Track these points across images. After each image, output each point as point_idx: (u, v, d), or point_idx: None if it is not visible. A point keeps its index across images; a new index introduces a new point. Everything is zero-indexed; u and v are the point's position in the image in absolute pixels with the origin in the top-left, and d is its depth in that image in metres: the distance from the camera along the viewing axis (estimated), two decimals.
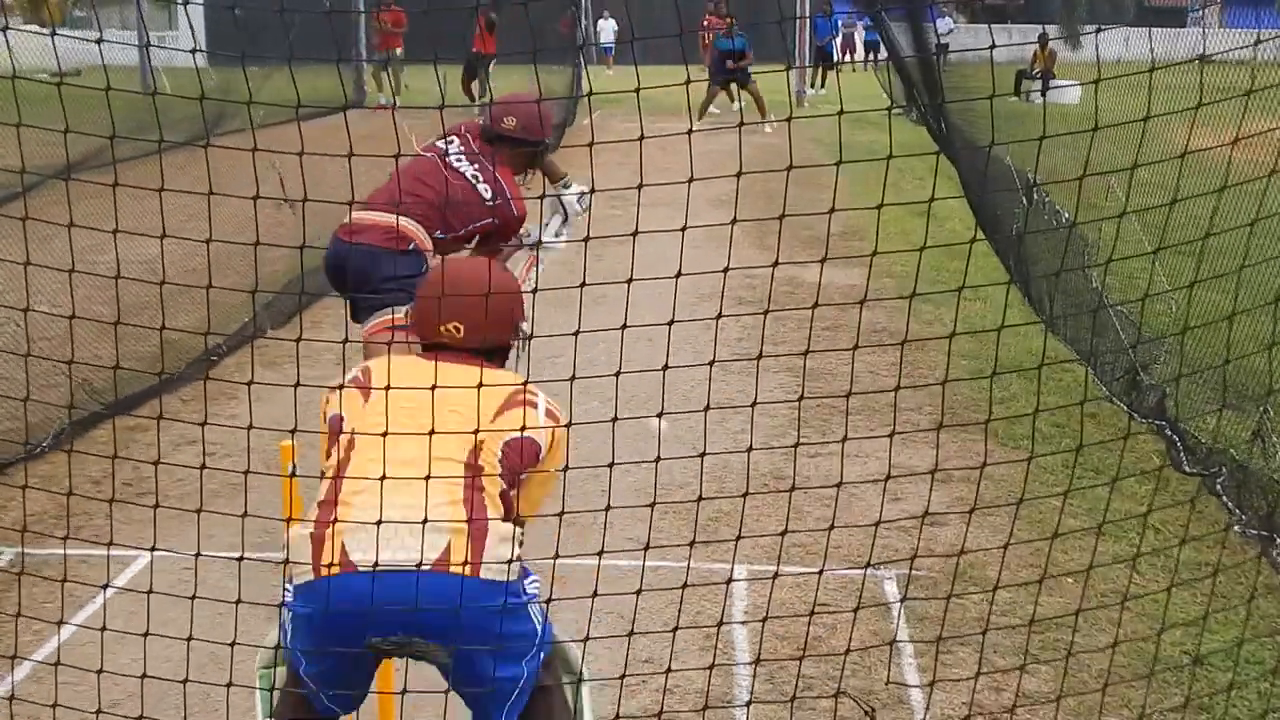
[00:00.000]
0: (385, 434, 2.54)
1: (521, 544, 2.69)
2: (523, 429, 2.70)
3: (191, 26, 2.77)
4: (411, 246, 4.95)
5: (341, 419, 2.74)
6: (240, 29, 3.15)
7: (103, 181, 2.74)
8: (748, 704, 3.72)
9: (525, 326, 2.97)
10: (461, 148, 5.23)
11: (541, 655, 2.68)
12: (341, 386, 2.81)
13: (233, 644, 2.74)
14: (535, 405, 2.78)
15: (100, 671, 2.87)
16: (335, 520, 2.55)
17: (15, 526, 4.85)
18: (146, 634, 2.79)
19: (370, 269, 4.94)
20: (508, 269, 2.98)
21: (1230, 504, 5.01)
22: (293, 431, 2.77)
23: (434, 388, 2.55)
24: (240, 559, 2.72)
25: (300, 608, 2.57)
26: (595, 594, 2.72)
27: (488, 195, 5.12)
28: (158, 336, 2.94)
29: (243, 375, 6.80)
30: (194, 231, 2.78)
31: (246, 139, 2.57)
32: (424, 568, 2.48)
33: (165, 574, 3.92)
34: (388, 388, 2.65)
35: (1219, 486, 5.12)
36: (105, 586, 3.57)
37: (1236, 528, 4.85)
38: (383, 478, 2.50)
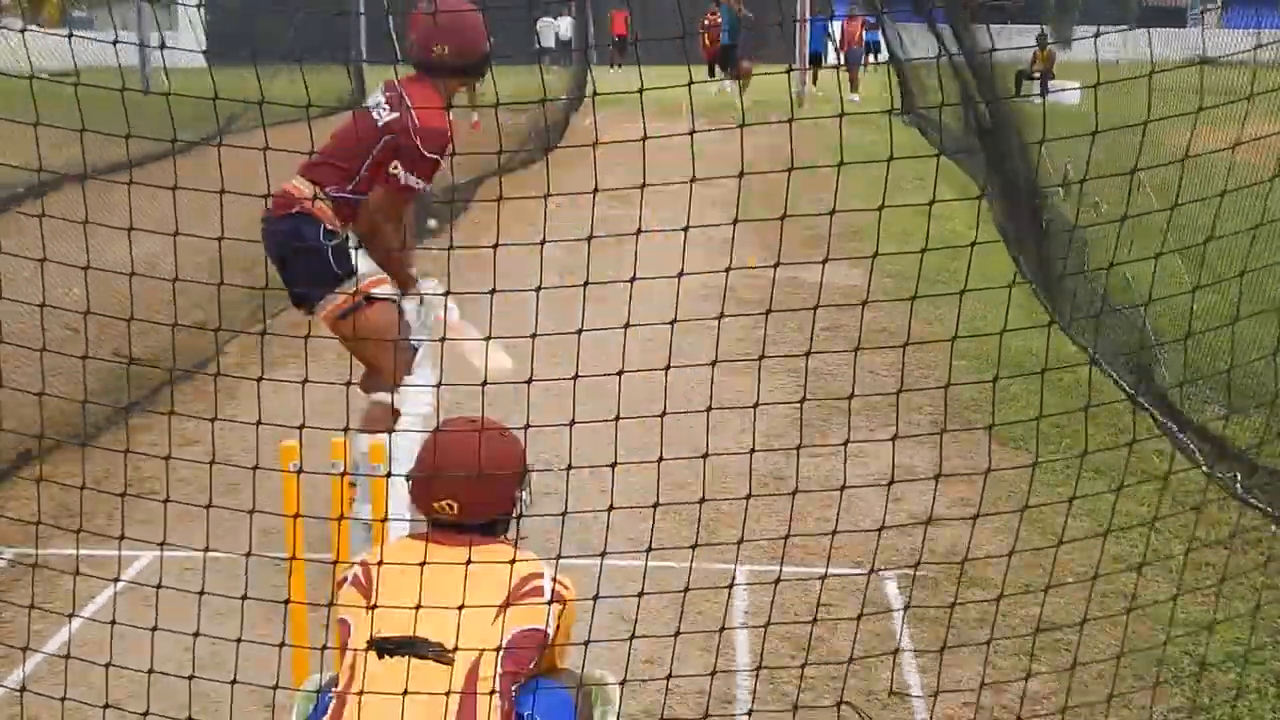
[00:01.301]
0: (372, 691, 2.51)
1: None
2: (511, 624, 2.64)
3: (192, 25, 2.76)
4: (296, 210, 4.59)
5: (349, 628, 2.68)
6: (239, 29, 3.14)
7: (119, 179, 2.74)
8: (749, 710, 3.72)
9: (527, 496, 2.87)
10: (385, 94, 4.73)
11: None
12: (348, 578, 2.77)
13: (238, 640, 2.74)
14: (540, 592, 2.69)
15: (109, 665, 2.87)
16: None
17: (25, 521, 4.85)
18: (155, 628, 2.79)
19: (277, 249, 4.68)
20: (509, 434, 2.88)
21: (1262, 504, 5.00)
22: (301, 427, 2.76)
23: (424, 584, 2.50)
24: (248, 555, 2.72)
25: None
26: (596, 596, 2.71)
27: (384, 116, 4.61)
28: (156, 336, 2.94)
29: (242, 375, 6.80)
30: (188, 235, 2.78)
31: (247, 140, 2.56)
32: None
33: (166, 575, 3.90)
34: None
35: (1244, 487, 5.11)
36: (116, 580, 3.57)
37: (1274, 526, 4.85)
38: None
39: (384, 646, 2.47)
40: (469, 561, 2.55)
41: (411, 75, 4.75)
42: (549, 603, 2.68)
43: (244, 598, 2.75)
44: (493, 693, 2.56)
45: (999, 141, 6.95)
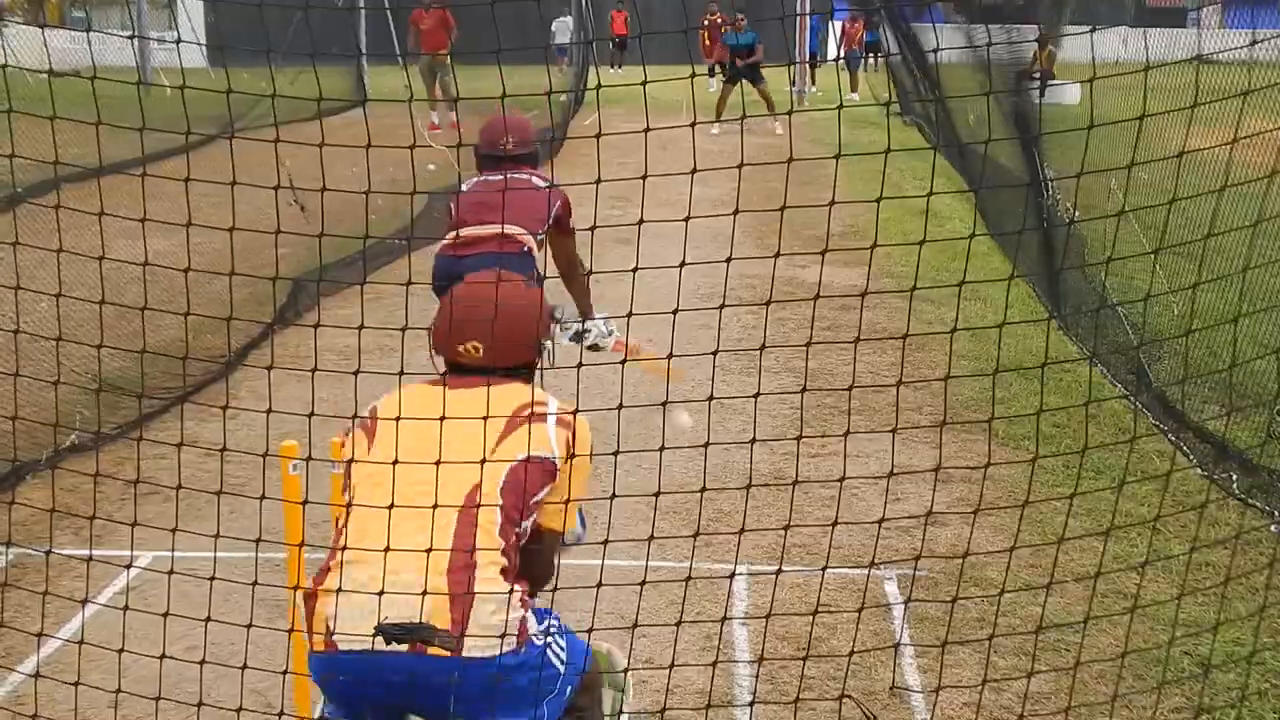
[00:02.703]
0: (392, 505, 2.51)
1: (534, 595, 2.66)
2: (527, 457, 2.63)
3: (191, 25, 2.76)
4: (525, 249, 5.11)
5: (350, 465, 2.71)
6: (240, 29, 3.14)
7: (135, 173, 2.74)
8: (750, 704, 3.72)
9: (549, 343, 2.91)
10: (478, 185, 5.41)
11: (569, 689, 2.66)
12: (354, 426, 2.77)
13: (249, 625, 2.75)
14: (544, 418, 2.70)
15: (121, 650, 2.89)
16: (321, 589, 2.54)
17: (26, 523, 4.86)
18: (166, 614, 2.81)
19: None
20: (532, 286, 2.91)
21: (1261, 505, 5.00)
22: (310, 414, 2.76)
23: (437, 453, 2.47)
24: (258, 540, 2.74)
25: (313, 672, 2.59)
26: (600, 583, 2.72)
27: (540, 182, 5.34)
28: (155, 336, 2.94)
29: (244, 376, 6.80)
30: (197, 232, 2.78)
31: (247, 141, 2.57)
32: (407, 650, 2.44)
33: (162, 572, 3.91)
34: (395, 425, 2.58)
35: (1237, 486, 5.11)
36: (129, 566, 3.58)
37: (1274, 527, 4.85)
38: (387, 547, 2.46)
39: (390, 633, 2.47)
40: (488, 384, 2.59)
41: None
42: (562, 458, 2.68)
43: (254, 583, 2.75)
44: (495, 505, 2.56)
45: (1010, 132, 6.97)
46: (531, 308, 2.88)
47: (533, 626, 2.57)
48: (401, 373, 2.56)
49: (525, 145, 5.48)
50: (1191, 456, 5.46)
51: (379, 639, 2.42)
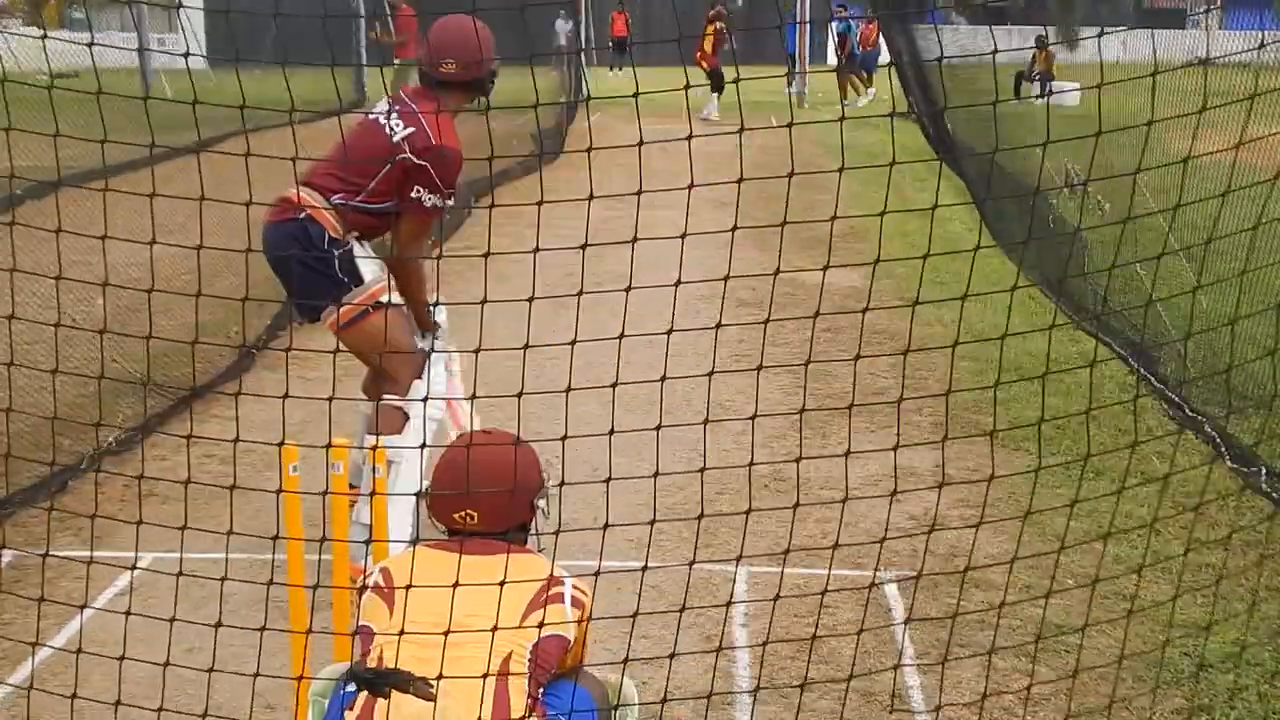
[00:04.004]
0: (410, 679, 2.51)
1: None
2: (540, 624, 2.65)
3: (192, 27, 2.77)
4: (303, 214, 4.51)
5: (371, 632, 2.70)
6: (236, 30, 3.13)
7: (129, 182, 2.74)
8: (751, 704, 3.72)
9: (544, 503, 2.90)
10: (395, 107, 4.69)
11: None
12: (366, 588, 2.78)
13: (262, 628, 2.75)
14: (561, 598, 2.73)
15: (122, 658, 2.88)
16: None
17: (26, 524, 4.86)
18: (173, 619, 2.80)
19: (278, 252, 4.57)
20: (524, 444, 2.90)
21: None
22: (330, 395, 2.76)
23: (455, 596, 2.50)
24: (275, 538, 2.74)
25: None
26: (597, 573, 2.72)
27: (399, 131, 4.59)
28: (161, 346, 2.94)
29: (244, 377, 6.81)
30: (192, 237, 2.78)
31: (246, 143, 2.56)
32: None
33: (166, 574, 3.91)
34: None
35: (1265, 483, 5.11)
36: (133, 568, 3.58)
37: None
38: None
39: (363, 678, 2.49)
40: (507, 551, 2.60)
41: (417, 88, 4.79)
42: (571, 616, 2.72)
43: (270, 583, 2.75)
44: (527, 676, 2.60)
45: (954, 146, 6.98)
46: (525, 473, 2.85)
47: None
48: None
49: (468, 70, 4.64)
50: (1226, 452, 5.44)
51: None
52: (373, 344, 4.55)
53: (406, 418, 4.58)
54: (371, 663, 2.66)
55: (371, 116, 4.77)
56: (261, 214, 4.41)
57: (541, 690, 2.67)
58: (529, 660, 2.64)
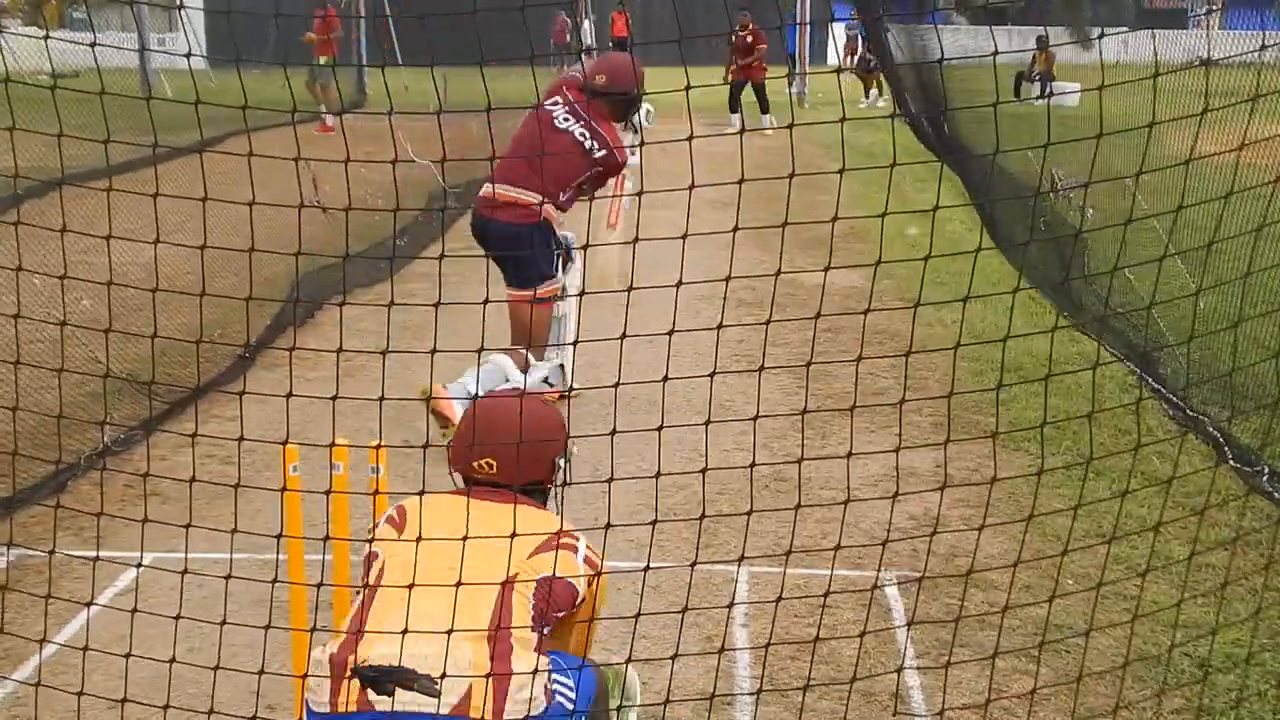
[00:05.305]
0: (412, 586, 2.52)
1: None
2: (554, 564, 2.66)
3: (192, 27, 2.76)
4: (541, 220, 5.76)
5: (376, 554, 2.73)
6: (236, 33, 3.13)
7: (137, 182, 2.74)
8: (753, 705, 3.72)
9: (564, 463, 2.94)
10: (565, 106, 5.97)
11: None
12: (376, 526, 2.82)
13: (267, 627, 2.75)
14: (575, 550, 2.75)
15: (129, 655, 2.88)
16: (355, 657, 2.53)
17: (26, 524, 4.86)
18: (178, 617, 2.80)
19: (509, 245, 5.79)
20: (549, 404, 2.94)
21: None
22: (335, 394, 2.76)
23: (465, 539, 2.50)
24: (279, 536, 2.74)
25: None
26: (599, 573, 2.72)
27: (594, 150, 5.90)
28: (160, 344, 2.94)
29: (244, 375, 6.80)
30: (196, 234, 2.78)
31: (247, 143, 2.56)
32: (442, 713, 2.46)
33: (167, 574, 3.91)
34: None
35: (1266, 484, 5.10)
36: (139, 565, 3.57)
37: None
38: (404, 631, 2.48)
39: (368, 676, 2.49)
40: (515, 503, 2.61)
41: (593, 107, 5.99)
42: (584, 572, 2.74)
43: (274, 581, 2.75)
44: (529, 591, 2.61)
45: (952, 148, 6.98)
46: (548, 430, 2.93)
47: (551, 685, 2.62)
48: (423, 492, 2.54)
49: (615, 86, 5.95)
50: (1229, 452, 5.43)
51: (385, 697, 2.44)
52: (540, 320, 5.97)
53: (528, 362, 5.91)
54: (372, 578, 2.68)
55: (555, 119, 5.98)
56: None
57: (544, 629, 2.66)
58: (534, 591, 2.63)
